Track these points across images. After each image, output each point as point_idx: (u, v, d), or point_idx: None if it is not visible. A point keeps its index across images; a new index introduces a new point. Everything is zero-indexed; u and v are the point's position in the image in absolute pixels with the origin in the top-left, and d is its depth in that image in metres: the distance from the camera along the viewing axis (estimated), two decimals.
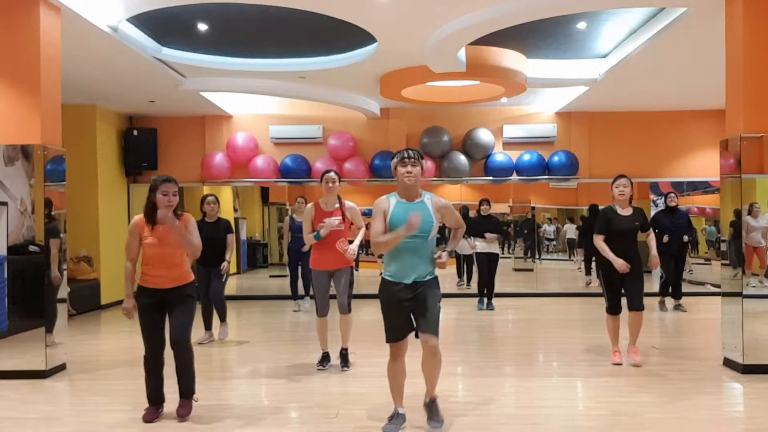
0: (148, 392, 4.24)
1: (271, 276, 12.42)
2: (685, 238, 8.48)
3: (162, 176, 4.17)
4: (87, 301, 9.15)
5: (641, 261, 5.53)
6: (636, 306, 5.47)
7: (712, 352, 5.93)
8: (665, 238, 8.38)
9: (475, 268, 9.54)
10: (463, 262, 10.67)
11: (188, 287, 4.23)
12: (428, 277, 3.87)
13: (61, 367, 5.62)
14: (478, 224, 8.86)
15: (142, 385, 5.10)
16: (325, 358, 5.57)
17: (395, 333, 3.86)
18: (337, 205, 5.43)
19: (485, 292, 8.96)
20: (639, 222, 5.52)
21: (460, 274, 10.77)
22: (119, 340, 7.45)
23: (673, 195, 8.69)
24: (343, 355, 5.58)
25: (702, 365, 5.54)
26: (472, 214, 10.26)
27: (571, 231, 12.24)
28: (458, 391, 4.98)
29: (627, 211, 5.51)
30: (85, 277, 9.32)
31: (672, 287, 8.68)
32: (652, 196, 12.00)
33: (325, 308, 5.49)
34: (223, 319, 6.93)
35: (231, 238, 6.80)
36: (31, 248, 5.45)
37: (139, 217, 4.19)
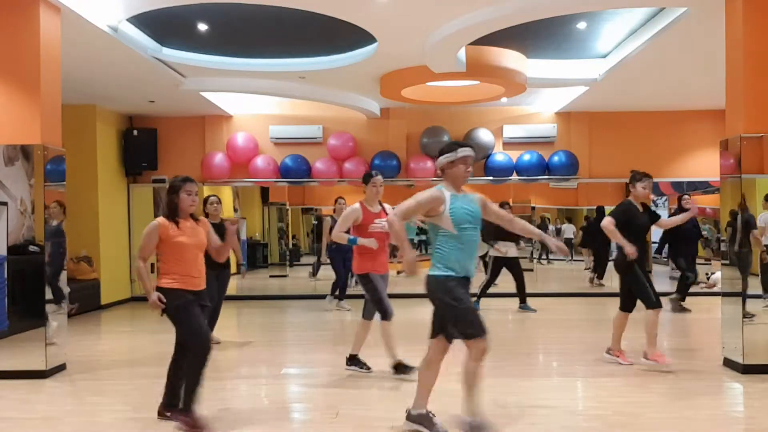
0: (194, 397, 3.94)
1: (271, 276, 12.45)
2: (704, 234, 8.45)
3: (181, 176, 4.07)
4: (87, 301, 9.15)
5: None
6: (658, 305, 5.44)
7: (712, 352, 5.92)
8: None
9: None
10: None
11: (206, 293, 4.15)
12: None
13: (61, 367, 5.61)
14: (499, 227, 8.70)
15: (141, 385, 5.12)
16: (401, 367, 5.22)
17: (483, 323, 3.63)
18: (380, 208, 5.33)
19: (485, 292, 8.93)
20: (652, 219, 5.60)
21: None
22: (119, 340, 7.45)
23: (687, 197, 8.50)
24: (358, 359, 5.41)
25: (702, 365, 5.54)
26: None
27: (569, 231, 12.24)
28: (458, 391, 4.96)
29: (642, 209, 5.55)
30: (85, 277, 9.32)
31: (683, 288, 8.62)
32: (652, 196, 12.01)
33: (392, 309, 5.22)
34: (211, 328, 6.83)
35: (234, 238, 6.73)
36: (31, 248, 5.45)
37: (161, 219, 3.99)
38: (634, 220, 5.41)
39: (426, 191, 3.80)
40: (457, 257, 3.69)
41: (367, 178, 5.33)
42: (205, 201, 6.64)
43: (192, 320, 3.93)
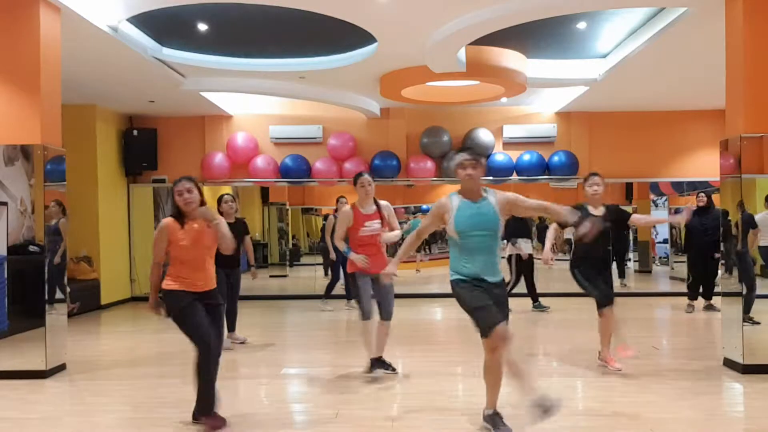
0: (207, 400, 3.88)
1: (271, 276, 12.43)
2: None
3: (180, 177, 4.04)
4: (87, 301, 9.15)
5: (608, 263, 5.50)
6: (611, 301, 5.38)
7: (712, 352, 5.93)
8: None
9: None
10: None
11: (217, 291, 4.08)
12: (500, 278, 3.82)
13: (61, 367, 5.61)
14: (516, 225, 8.61)
15: (141, 385, 5.12)
16: (377, 364, 5.25)
17: (491, 318, 3.62)
18: (375, 208, 5.23)
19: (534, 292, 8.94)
20: (610, 221, 5.31)
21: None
22: (119, 340, 7.45)
23: (702, 195, 8.37)
24: (382, 362, 5.30)
25: (702, 365, 5.54)
26: None
27: (567, 230, 12.23)
28: (458, 391, 4.97)
29: (599, 211, 5.36)
30: (85, 277, 9.32)
31: (703, 288, 8.48)
32: (652, 196, 12.00)
33: (371, 312, 5.20)
34: (233, 328, 6.75)
35: (248, 239, 6.72)
36: (31, 248, 5.45)
37: (169, 219, 3.98)
38: None
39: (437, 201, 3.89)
40: (465, 263, 3.75)
41: (355, 179, 5.26)
42: (219, 200, 6.59)
43: (194, 321, 3.86)
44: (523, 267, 8.83)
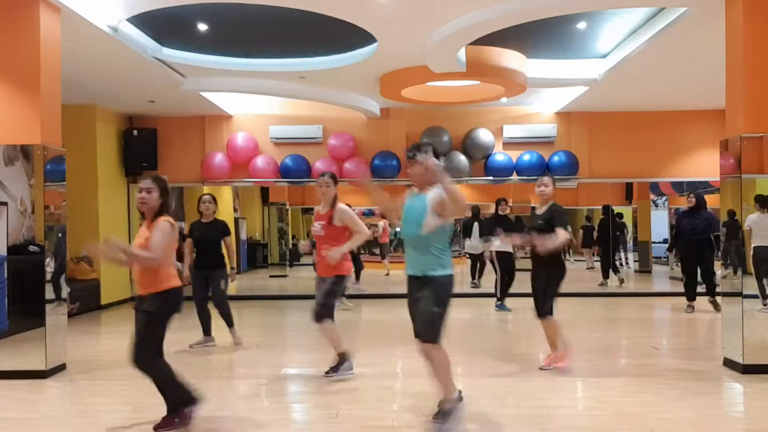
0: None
1: (271, 276, 12.45)
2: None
3: (149, 176, 4.06)
4: (87, 301, 9.15)
5: (551, 268, 5.33)
6: (537, 313, 5.42)
7: (712, 352, 5.93)
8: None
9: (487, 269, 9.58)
10: (477, 263, 10.67)
11: (156, 298, 3.86)
12: (433, 273, 3.78)
13: (61, 367, 5.61)
14: (495, 224, 8.55)
15: (142, 384, 5.10)
16: (339, 364, 5.30)
17: (414, 327, 3.94)
18: (329, 208, 5.19)
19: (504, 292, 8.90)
20: (543, 220, 5.31)
21: (473, 275, 10.70)
22: (119, 340, 7.43)
23: (692, 196, 8.46)
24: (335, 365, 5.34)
25: (702, 365, 5.54)
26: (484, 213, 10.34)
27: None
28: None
29: (541, 210, 5.44)
30: (85, 277, 9.32)
31: (706, 287, 8.47)
32: (652, 196, 12.01)
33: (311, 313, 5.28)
34: (230, 324, 6.70)
35: (229, 240, 6.61)
36: (31, 248, 5.45)
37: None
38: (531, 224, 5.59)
39: None
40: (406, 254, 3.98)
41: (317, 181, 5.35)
42: (199, 200, 6.63)
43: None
44: (505, 264, 8.78)
